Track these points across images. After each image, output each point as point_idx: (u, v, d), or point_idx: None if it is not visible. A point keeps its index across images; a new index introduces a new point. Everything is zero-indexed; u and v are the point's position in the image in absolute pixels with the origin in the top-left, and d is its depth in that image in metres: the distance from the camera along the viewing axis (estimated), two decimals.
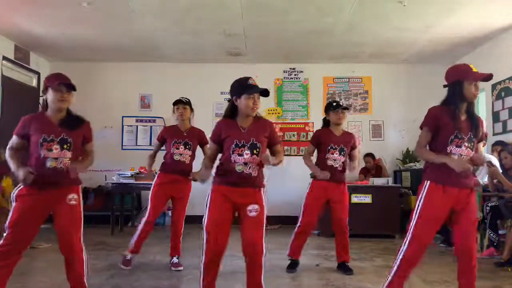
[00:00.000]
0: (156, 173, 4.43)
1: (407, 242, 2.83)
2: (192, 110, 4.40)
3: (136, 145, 7.83)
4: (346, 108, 4.23)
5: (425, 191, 2.82)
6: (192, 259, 4.65)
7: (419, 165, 7.29)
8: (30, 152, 2.80)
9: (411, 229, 2.81)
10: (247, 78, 2.74)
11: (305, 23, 5.89)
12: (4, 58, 6.55)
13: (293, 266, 4.19)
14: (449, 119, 2.77)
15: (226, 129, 2.78)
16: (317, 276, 4.06)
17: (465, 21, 5.75)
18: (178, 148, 4.22)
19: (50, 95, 2.79)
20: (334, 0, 5.18)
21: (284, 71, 8.00)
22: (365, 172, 7.13)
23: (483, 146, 2.91)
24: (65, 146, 2.78)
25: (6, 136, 6.85)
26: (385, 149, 7.68)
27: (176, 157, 4.21)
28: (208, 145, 4.23)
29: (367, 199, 6.21)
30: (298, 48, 7.08)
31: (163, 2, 5.27)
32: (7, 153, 2.83)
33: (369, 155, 7.23)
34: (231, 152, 2.72)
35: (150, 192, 4.28)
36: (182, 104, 4.31)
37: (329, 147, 4.12)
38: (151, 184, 4.38)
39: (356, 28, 6.08)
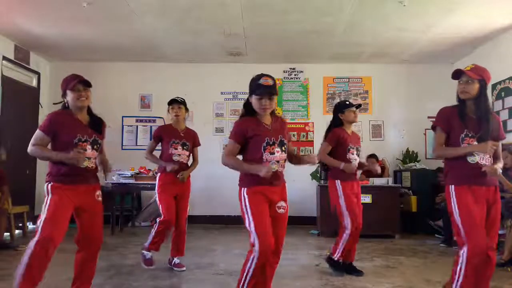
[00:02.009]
0: (154, 174, 4.43)
1: (465, 255, 2.65)
2: (187, 109, 4.37)
3: (136, 145, 7.83)
4: (360, 105, 4.25)
5: (454, 196, 2.75)
6: (193, 259, 4.66)
7: (419, 165, 7.29)
8: (59, 151, 2.83)
9: (466, 242, 2.66)
10: (260, 77, 2.68)
11: (305, 23, 5.89)
12: (4, 58, 6.55)
13: (352, 269, 4.09)
14: (459, 118, 2.79)
15: (252, 127, 2.68)
16: (317, 276, 4.06)
17: (465, 21, 5.75)
18: (176, 149, 4.22)
19: (69, 96, 2.88)
20: (334, 0, 5.18)
21: (284, 71, 8.00)
22: (367, 174, 7.09)
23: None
24: (95, 147, 2.93)
25: (6, 136, 6.87)
26: (385, 149, 7.67)
27: (175, 158, 4.21)
28: (196, 149, 4.39)
29: (367, 199, 6.20)
30: (298, 48, 7.08)
31: (163, 2, 5.27)
32: (34, 148, 2.84)
33: (373, 156, 7.16)
34: (262, 151, 2.67)
35: (157, 194, 4.26)
36: (177, 103, 4.28)
37: (349, 147, 4.05)
38: (150, 184, 4.38)
39: (356, 28, 6.08)
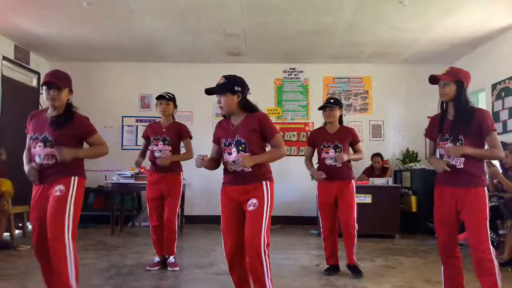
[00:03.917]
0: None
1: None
2: (175, 106, 4.39)
3: (136, 145, 7.83)
4: (329, 106, 4.09)
5: (435, 195, 2.95)
6: (192, 259, 4.66)
7: (419, 165, 7.30)
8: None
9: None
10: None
11: (305, 23, 5.89)
12: (4, 58, 6.55)
13: (331, 269, 4.11)
14: (438, 122, 2.92)
15: (219, 130, 2.87)
16: (317, 276, 4.06)
17: (465, 21, 5.75)
18: (157, 145, 4.25)
19: (43, 93, 2.88)
20: (334, 0, 5.18)
21: (284, 71, 8.00)
22: (369, 172, 7.08)
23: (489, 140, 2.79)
24: (47, 144, 2.82)
25: (6, 136, 6.88)
26: (385, 149, 7.67)
27: (157, 154, 4.24)
28: (187, 140, 4.36)
29: (367, 199, 6.21)
30: (298, 48, 7.08)
31: (163, 2, 5.27)
32: (24, 153, 2.95)
33: (378, 155, 7.13)
34: (223, 152, 2.79)
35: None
36: (165, 100, 4.29)
37: (322, 146, 4.07)
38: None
39: (356, 28, 6.08)
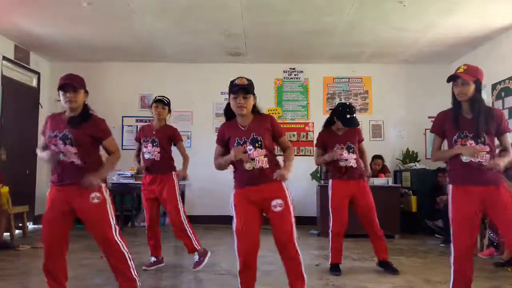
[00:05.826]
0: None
1: (452, 252, 2.86)
2: (170, 111, 4.43)
3: None
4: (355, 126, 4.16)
5: (450, 195, 2.87)
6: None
7: (419, 165, 7.30)
8: None
9: (451, 237, 2.85)
10: (236, 78, 2.82)
11: (305, 23, 5.89)
12: (4, 58, 6.55)
13: (337, 268, 4.14)
14: (452, 120, 2.85)
15: (228, 129, 2.87)
16: (317, 276, 4.05)
17: (465, 21, 5.75)
18: (146, 147, 4.26)
19: (60, 97, 2.92)
20: (334, 0, 5.18)
21: (284, 71, 8.00)
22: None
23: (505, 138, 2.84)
24: (67, 142, 2.86)
25: (6, 136, 6.87)
26: (385, 149, 7.66)
27: (147, 156, 4.26)
28: (180, 144, 4.39)
29: None
30: (298, 48, 7.08)
31: (163, 2, 5.27)
32: (39, 151, 3.01)
33: (379, 158, 7.07)
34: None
35: None
36: (162, 104, 4.31)
37: (336, 148, 4.07)
38: None
39: (356, 28, 6.08)
